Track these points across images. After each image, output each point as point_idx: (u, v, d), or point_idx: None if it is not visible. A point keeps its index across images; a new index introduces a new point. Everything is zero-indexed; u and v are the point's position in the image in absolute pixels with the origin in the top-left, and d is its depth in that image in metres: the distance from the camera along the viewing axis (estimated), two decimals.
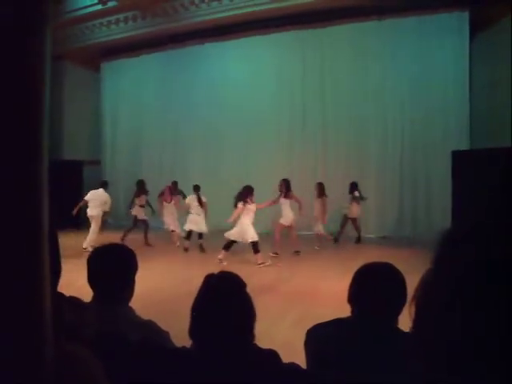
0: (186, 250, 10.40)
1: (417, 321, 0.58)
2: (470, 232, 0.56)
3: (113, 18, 14.42)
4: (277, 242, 9.95)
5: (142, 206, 11.71)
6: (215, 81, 14.69)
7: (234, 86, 14.36)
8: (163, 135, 15.78)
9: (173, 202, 11.41)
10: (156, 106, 15.75)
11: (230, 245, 9.10)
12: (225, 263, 8.67)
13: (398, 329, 1.81)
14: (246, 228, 8.90)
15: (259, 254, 8.91)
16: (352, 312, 1.87)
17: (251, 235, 8.87)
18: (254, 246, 8.91)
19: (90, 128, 16.98)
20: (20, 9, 0.63)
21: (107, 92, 17.07)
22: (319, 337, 1.86)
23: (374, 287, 1.81)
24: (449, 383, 0.51)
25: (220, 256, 8.95)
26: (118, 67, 16.56)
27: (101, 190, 10.94)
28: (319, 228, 10.84)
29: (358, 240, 11.74)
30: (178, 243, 11.07)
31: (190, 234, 10.56)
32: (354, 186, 11.62)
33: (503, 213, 7.90)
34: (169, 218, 11.41)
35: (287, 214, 9.93)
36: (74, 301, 1.74)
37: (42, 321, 0.65)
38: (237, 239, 9.00)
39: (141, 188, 11.70)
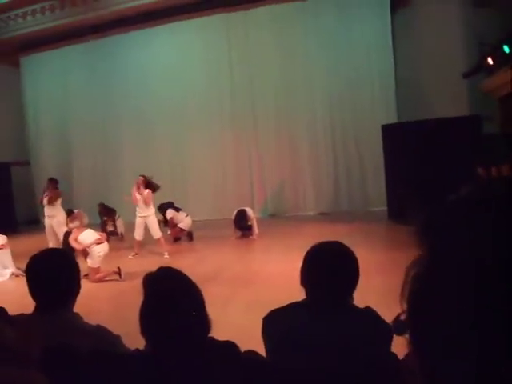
0: None
1: (415, 320, 0.51)
2: (482, 217, 0.48)
3: (29, 9, 13.65)
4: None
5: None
6: (142, 68, 14.34)
7: (162, 72, 14.14)
8: (91, 129, 15.18)
9: None
10: (81, 98, 15.13)
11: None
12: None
13: (354, 305, 1.83)
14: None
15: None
16: (306, 294, 1.85)
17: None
18: None
19: (14, 127, 16.03)
20: None
21: (28, 87, 16.17)
22: (277, 323, 1.85)
23: (326, 267, 1.79)
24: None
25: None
26: (39, 61, 15.69)
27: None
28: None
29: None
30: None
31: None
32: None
33: (433, 185, 8.23)
34: None
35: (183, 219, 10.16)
36: (14, 317, 1.63)
37: None
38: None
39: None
